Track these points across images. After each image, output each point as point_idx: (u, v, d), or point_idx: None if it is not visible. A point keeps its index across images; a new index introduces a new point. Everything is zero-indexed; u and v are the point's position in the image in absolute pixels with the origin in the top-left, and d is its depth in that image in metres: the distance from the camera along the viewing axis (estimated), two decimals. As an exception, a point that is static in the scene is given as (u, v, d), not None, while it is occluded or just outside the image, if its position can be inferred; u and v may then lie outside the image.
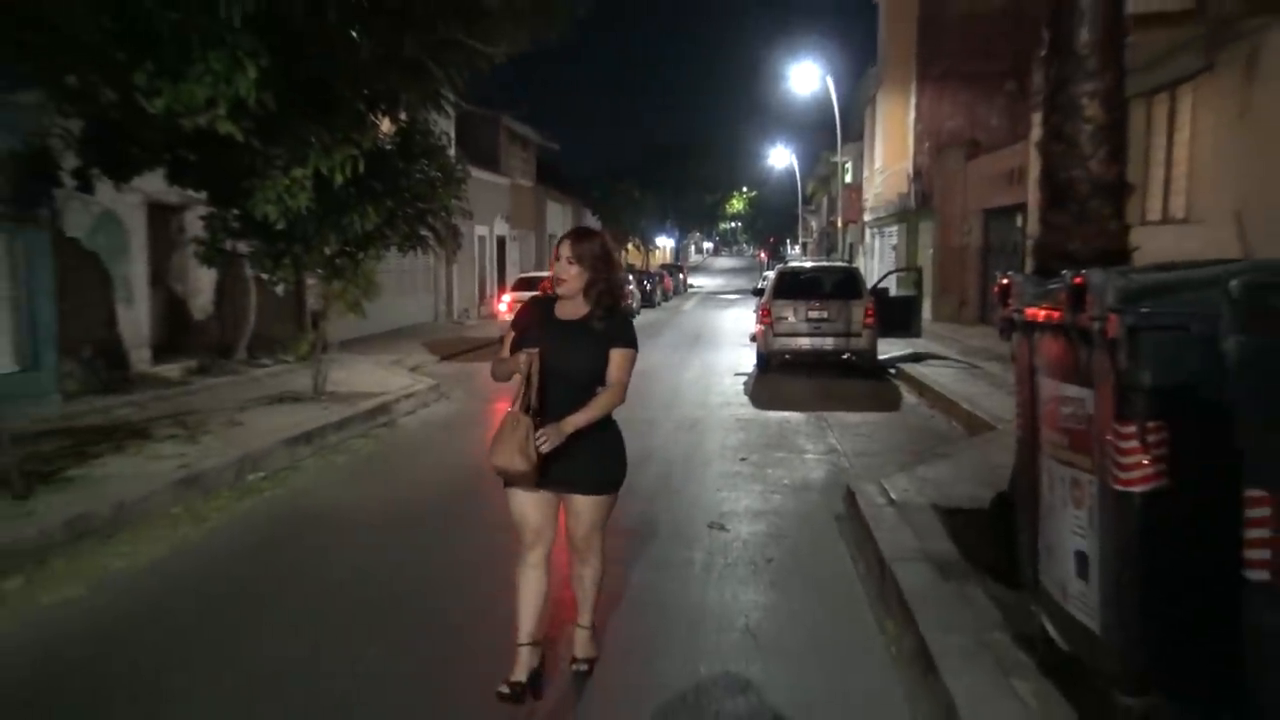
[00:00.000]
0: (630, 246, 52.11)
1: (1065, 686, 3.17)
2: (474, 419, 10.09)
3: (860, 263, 31.20)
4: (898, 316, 13.60)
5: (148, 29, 6.14)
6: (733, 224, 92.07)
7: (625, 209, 47.18)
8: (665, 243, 65.46)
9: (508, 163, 30.41)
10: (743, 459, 7.92)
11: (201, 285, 12.63)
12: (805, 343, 13.08)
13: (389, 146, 9.49)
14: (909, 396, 11.57)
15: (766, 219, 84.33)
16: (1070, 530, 2.98)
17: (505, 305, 18.24)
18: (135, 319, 11.19)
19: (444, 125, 12.65)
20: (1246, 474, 2.26)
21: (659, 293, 35.59)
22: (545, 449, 3.23)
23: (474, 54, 8.08)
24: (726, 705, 3.53)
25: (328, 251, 9.40)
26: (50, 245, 9.34)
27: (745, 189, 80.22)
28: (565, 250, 3.42)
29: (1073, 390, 2.95)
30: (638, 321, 24.12)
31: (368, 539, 5.71)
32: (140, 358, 11.16)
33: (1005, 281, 3.58)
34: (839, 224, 38.11)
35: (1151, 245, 5.49)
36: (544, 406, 3.31)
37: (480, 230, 26.78)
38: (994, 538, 4.50)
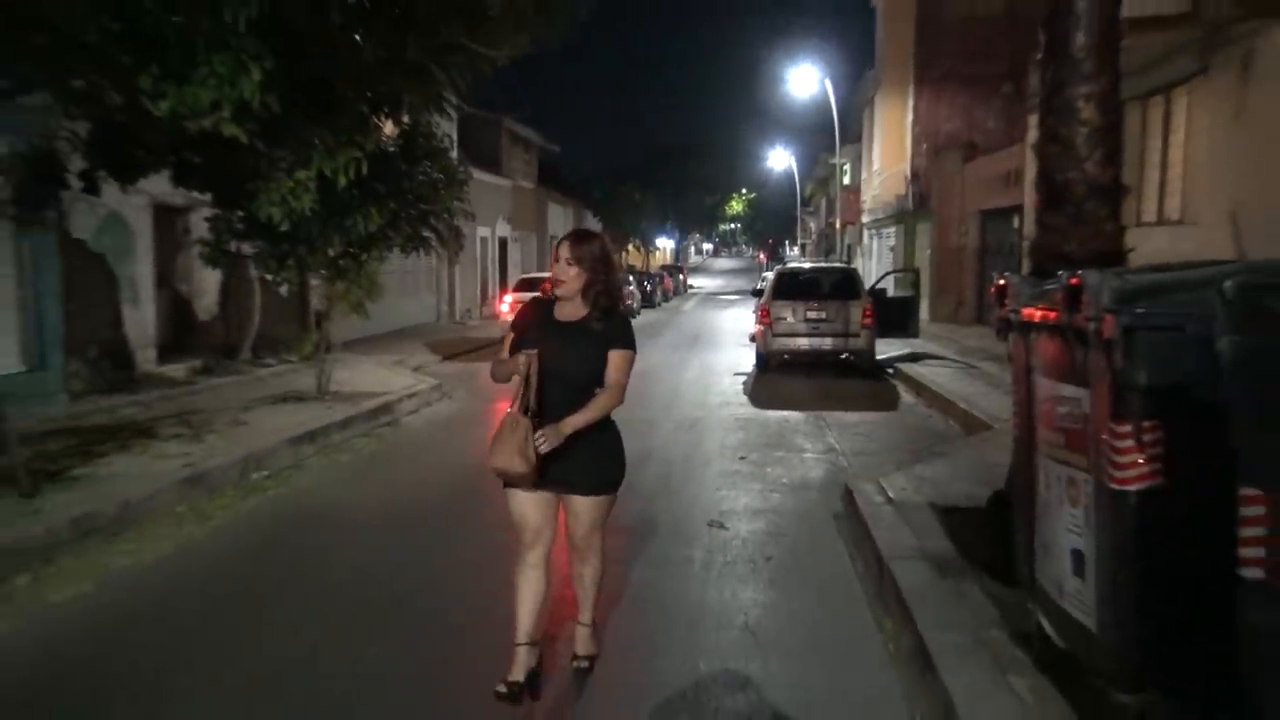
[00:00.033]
0: (631, 247, 52.18)
1: (1062, 683, 3.19)
2: (476, 418, 10.13)
3: (858, 264, 31.22)
4: (896, 317, 13.65)
5: (153, 32, 6.16)
6: (732, 225, 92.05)
7: (626, 210, 47.28)
8: (665, 244, 65.48)
9: (509, 164, 30.49)
10: (742, 458, 7.94)
11: (206, 286, 12.66)
12: (804, 343, 13.13)
13: (392, 149, 9.53)
14: (907, 396, 11.60)
15: (765, 220, 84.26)
16: (1066, 529, 2.99)
17: (507, 306, 18.30)
18: (141, 319, 11.22)
19: (446, 127, 12.67)
20: (1241, 473, 2.27)
21: (659, 293, 35.67)
22: (544, 450, 3.24)
23: (476, 57, 8.10)
24: (726, 702, 3.53)
25: (331, 253, 9.45)
26: (57, 246, 9.39)
27: (745, 191, 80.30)
28: (564, 252, 3.43)
29: (1069, 390, 2.96)
30: (638, 322, 24.29)
31: (370, 538, 5.72)
32: (146, 358, 11.20)
33: (1002, 282, 3.60)
34: (837, 225, 38.16)
35: (1147, 246, 5.49)
36: (543, 407, 3.32)
37: (482, 231, 26.87)
38: (991, 536, 4.51)
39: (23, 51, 6.46)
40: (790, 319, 13.15)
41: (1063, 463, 3.02)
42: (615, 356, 3.40)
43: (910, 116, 25.51)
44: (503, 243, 29.84)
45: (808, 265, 17.38)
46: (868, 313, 12.97)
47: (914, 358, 13.91)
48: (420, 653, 3.97)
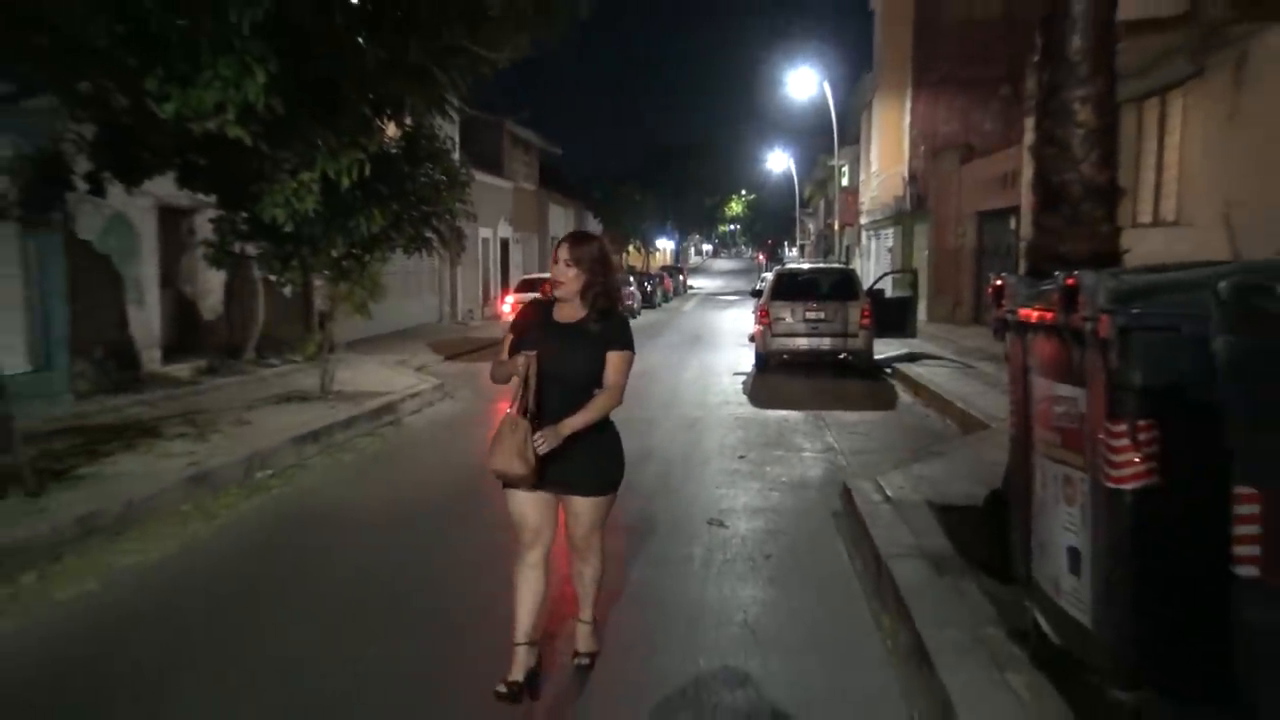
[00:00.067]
0: (631, 248, 52.24)
1: (1058, 680, 3.20)
2: (478, 418, 10.17)
3: (857, 265, 31.26)
4: (893, 317, 13.67)
5: (158, 35, 6.19)
6: (731, 226, 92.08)
7: (626, 211, 47.38)
8: (665, 245, 65.49)
9: (511, 166, 30.58)
10: (741, 457, 7.96)
11: (211, 287, 12.69)
12: (803, 343, 13.17)
13: (394, 150, 9.58)
14: (905, 396, 11.62)
15: (765, 222, 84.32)
16: (1063, 527, 3.00)
17: (508, 306, 18.39)
18: (146, 320, 11.27)
19: (448, 130, 12.75)
20: (1235, 472, 2.27)
21: (659, 294, 35.74)
22: (543, 451, 3.25)
23: (477, 59, 8.11)
24: (725, 699, 3.54)
25: (335, 254, 9.50)
26: (63, 247, 9.44)
27: (744, 192, 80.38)
28: (563, 253, 3.43)
29: (1065, 389, 2.97)
30: (639, 322, 24.39)
31: (372, 538, 5.73)
32: (151, 358, 11.24)
33: (999, 283, 3.60)
34: (836, 226, 38.21)
35: (1142, 248, 5.51)
36: (542, 409, 3.32)
37: (484, 232, 26.96)
38: (988, 534, 4.52)
39: (28, 54, 6.48)
40: (789, 319, 13.19)
41: (1059, 462, 3.03)
42: (614, 357, 3.40)
43: (908, 119, 25.59)
44: (504, 244, 29.93)
45: (806, 266, 17.43)
46: (866, 313, 13.01)
47: (912, 358, 13.95)
48: (421, 652, 3.98)
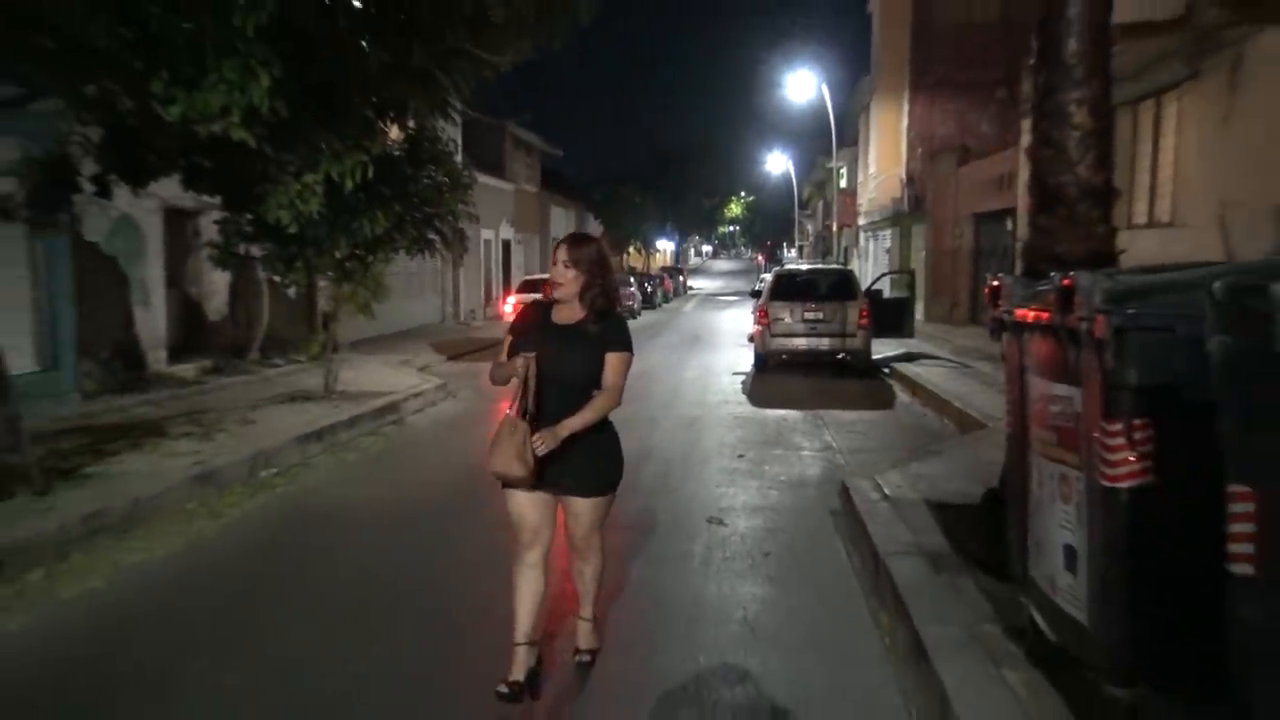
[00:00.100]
0: (632, 249, 52.32)
1: (1054, 677, 3.21)
2: (480, 417, 10.22)
3: (855, 265, 31.32)
4: (891, 317, 13.74)
5: (163, 39, 6.23)
6: (731, 228, 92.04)
7: (627, 213, 47.48)
8: (665, 246, 65.52)
9: (512, 168, 30.67)
10: (740, 456, 8.00)
11: (216, 288, 12.75)
12: (801, 343, 13.23)
13: (398, 153, 9.64)
14: (902, 395, 11.67)
15: (764, 223, 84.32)
16: (1059, 525, 3.01)
17: (510, 306, 18.48)
18: (152, 320, 11.31)
19: (451, 132, 12.76)
20: (1230, 470, 2.27)
21: (659, 294, 35.83)
22: (541, 452, 3.26)
23: (480, 63, 8.14)
24: (725, 696, 3.56)
25: (338, 255, 9.54)
26: (70, 249, 9.47)
27: (743, 194, 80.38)
28: (561, 254, 3.43)
29: (1061, 389, 2.99)
30: (639, 322, 24.49)
31: (374, 537, 5.75)
32: (156, 358, 11.28)
33: (995, 283, 3.61)
34: (834, 228, 38.26)
35: (1137, 248, 5.50)
36: (541, 410, 3.33)
37: (486, 234, 27.05)
38: (985, 532, 4.54)
39: (33, 57, 6.52)
40: (788, 319, 13.26)
41: (1055, 460, 3.04)
42: (612, 359, 3.40)
43: (906, 121, 25.68)
44: (506, 245, 30.03)
45: (805, 267, 17.44)
46: (864, 313, 13.07)
47: (909, 357, 14.01)
48: (423, 652, 3.98)
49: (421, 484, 7.19)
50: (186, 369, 11.54)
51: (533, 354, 3.33)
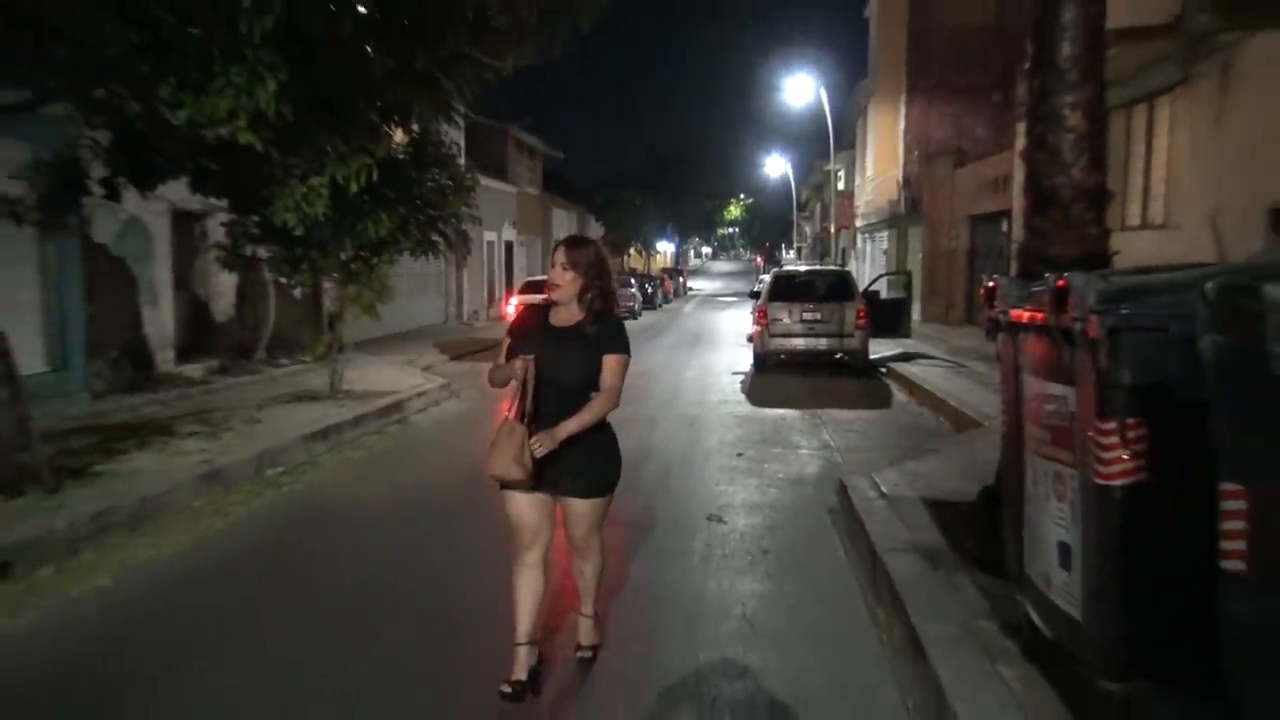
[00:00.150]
0: (632, 251, 52.42)
1: (1049, 672, 3.23)
2: (483, 416, 10.28)
3: (852, 267, 31.43)
4: (888, 318, 13.81)
5: (171, 44, 6.30)
6: (730, 230, 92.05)
7: (627, 215, 47.58)
8: (665, 247, 65.61)
9: (515, 171, 30.80)
10: (739, 454, 8.06)
11: (223, 289, 12.80)
12: (800, 343, 13.32)
13: (402, 156, 9.69)
14: (899, 394, 11.74)
15: (763, 225, 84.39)
16: (1053, 522, 3.03)
17: (512, 308, 18.58)
18: (160, 321, 11.37)
19: (454, 136, 12.86)
20: (1222, 469, 2.29)
21: (660, 295, 35.98)
22: (539, 454, 3.26)
23: (482, 67, 8.20)
24: (724, 691, 3.58)
25: (343, 256, 9.60)
26: (79, 251, 9.55)
27: (742, 196, 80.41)
28: (559, 257, 3.44)
29: (1055, 388, 3.00)
30: (640, 323, 24.59)
31: (378, 536, 5.77)
32: (164, 358, 11.34)
33: (991, 284, 3.63)
34: (832, 230, 38.34)
35: (1131, 250, 5.52)
36: (539, 412, 3.35)
37: (489, 236, 27.16)
38: (981, 529, 4.58)
39: (43, 61, 6.60)
40: (786, 320, 13.34)
41: (1050, 459, 3.07)
42: (610, 361, 3.41)
43: (902, 124, 25.82)
44: (509, 247, 30.18)
45: (803, 268, 17.53)
46: (861, 314, 13.16)
47: (906, 357, 14.09)
48: (424, 651, 3.99)
49: (424, 483, 7.22)
50: (194, 369, 11.60)
51: (531, 356, 3.35)
